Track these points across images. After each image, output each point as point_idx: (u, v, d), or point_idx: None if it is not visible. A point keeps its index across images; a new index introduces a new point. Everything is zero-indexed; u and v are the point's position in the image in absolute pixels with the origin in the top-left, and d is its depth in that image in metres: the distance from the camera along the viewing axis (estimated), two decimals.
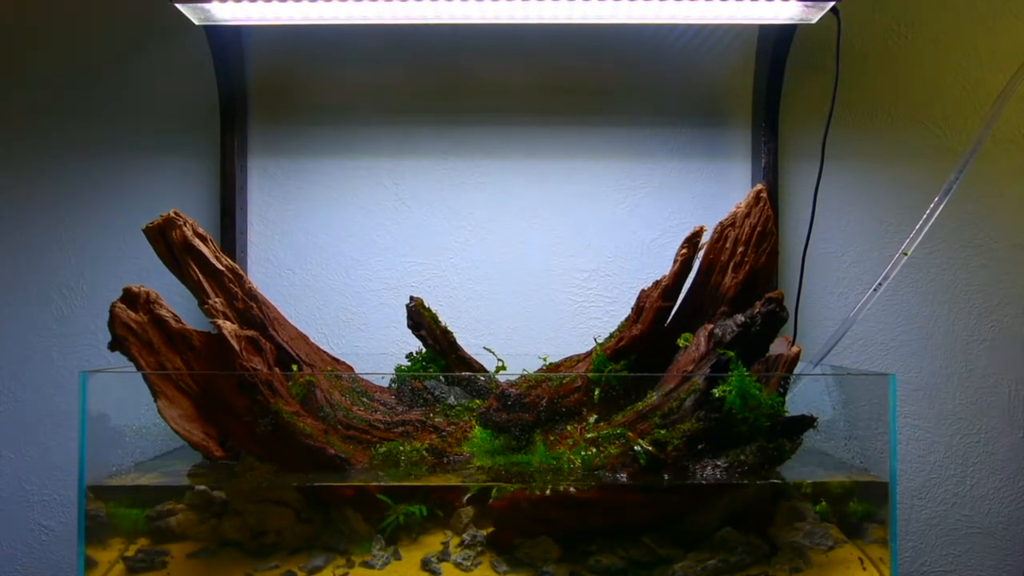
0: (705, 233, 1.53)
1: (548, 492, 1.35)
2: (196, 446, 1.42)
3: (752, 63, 1.90)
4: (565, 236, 1.94)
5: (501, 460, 1.44)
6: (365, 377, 1.64)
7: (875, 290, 1.62)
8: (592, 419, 1.42)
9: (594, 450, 1.37)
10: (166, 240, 1.46)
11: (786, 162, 1.90)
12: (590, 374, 1.51)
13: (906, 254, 1.58)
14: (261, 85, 1.93)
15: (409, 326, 1.68)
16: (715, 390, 1.32)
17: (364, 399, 1.58)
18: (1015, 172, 1.91)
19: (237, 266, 1.54)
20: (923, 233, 1.59)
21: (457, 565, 1.37)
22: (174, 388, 1.35)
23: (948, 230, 1.91)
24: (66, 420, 1.89)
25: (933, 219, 1.58)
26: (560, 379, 1.52)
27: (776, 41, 1.79)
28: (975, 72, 1.92)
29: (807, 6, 1.61)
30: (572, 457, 1.38)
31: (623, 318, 1.60)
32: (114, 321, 1.34)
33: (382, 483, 1.44)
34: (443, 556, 1.39)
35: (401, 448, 1.47)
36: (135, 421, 1.45)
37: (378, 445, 1.47)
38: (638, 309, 1.56)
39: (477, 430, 1.51)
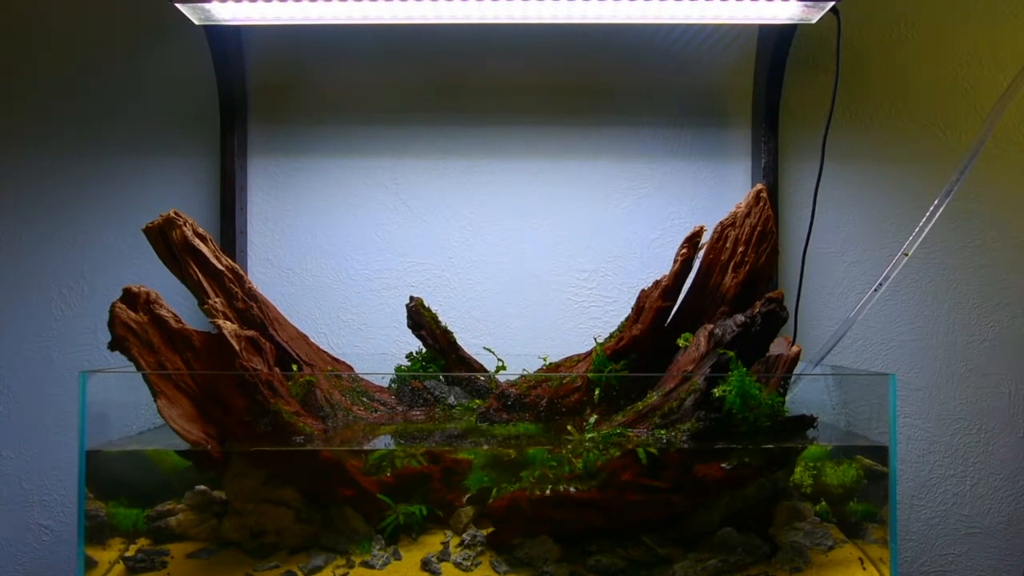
0: (705, 233, 1.53)
1: (548, 492, 1.35)
2: (196, 446, 1.42)
3: (752, 63, 1.90)
4: (565, 236, 1.94)
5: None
6: (365, 377, 1.64)
7: (876, 290, 1.62)
8: (592, 419, 1.42)
9: (596, 451, 1.37)
10: (166, 240, 1.46)
11: (786, 162, 1.89)
12: (590, 374, 1.51)
13: (907, 255, 1.58)
14: (261, 85, 1.93)
15: (409, 326, 1.68)
16: (715, 390, 1.32)
17: (364, 399, 1.58)
18: (1015, 172, 1.91)
19: (237, 266, 1.54)
20: (924, 233, 1.59)
21: (457, 565, 1.37)
22: (174, 388, 1.35)
23: (948, 230, 1.91)
24: (66, 420, 1.89)
25: (934, 220, 1.58)
26: (560, 379, 1.52)
27: (776, 41, 1.79)
28: (975, 72, 1.92)
29: (807, 6, 1.61)
30: (574, 459, 1.39)
31: (623, 318, 1.60)
32: (114, 321, 1.34)
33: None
34: (443, 556, 1.39)
35: (397, 454, 1.47)
36: (135, 421, 1.45)
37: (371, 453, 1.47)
38: (638, 309, 1.56)
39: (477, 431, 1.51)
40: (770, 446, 1.35)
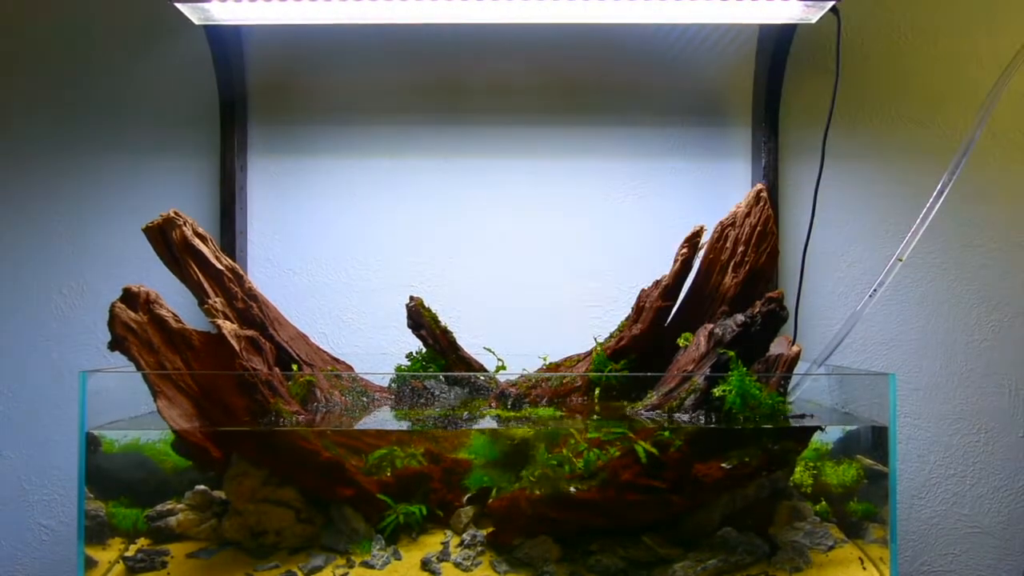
0: (705, 233, 1.53)
1: (548, 492, 1.35)
2: (195, 446, 1.42)
3: (752, 63, 1.90)
4: (565, 236, 1.94)
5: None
6: (365, 377, 1.63)
7: (871, 296, 1.61)
8: (593, 419, 1.42)
9: (597, 451, 1.37)
10: (166, 240, 1.46)
11: (786, 162, 1.89)
12: (590, 374, 1.51)
13: (901, 260, 1.57)
14: (261, 84, 1.93)
15: (409, 326, 1.68)
16: (715, 389, 1.32)
17: (364, 399, 1.58)
18: (1015, 172, 1.91)
19: (237, 266, 1.54)
20: (919, 236, 1.58)
21: (457, 565, 1.37)
22: (174, 388, 1.35)
23: (948, 230, 1.91)
24: (66, 420, 1.89)
25: (928, 222, 1.57)
26: (560, 379, 1.52)
27: (776, 41, 1.79)
28: (975, 72, 1.92)
29: (807, 6, 1.61)
30: (574, 458, 1.38)
31: (623, 318, 1.60)
32: (114, 321, 1.34)
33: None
34: (443, 556, 1.39)
35: (397, 454, 1.47)
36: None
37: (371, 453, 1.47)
38: (638, 309, 1.56)
39: (475, 433, 1.51)
40: (772, 444, 1.35)
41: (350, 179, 1.94)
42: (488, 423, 1.48)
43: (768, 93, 1.84)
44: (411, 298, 1.68)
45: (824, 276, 1.91)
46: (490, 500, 1.43)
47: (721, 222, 1.55)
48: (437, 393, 1.60)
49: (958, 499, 1.90)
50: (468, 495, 1.49)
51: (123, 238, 1.92)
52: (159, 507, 1.48)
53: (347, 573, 1.36)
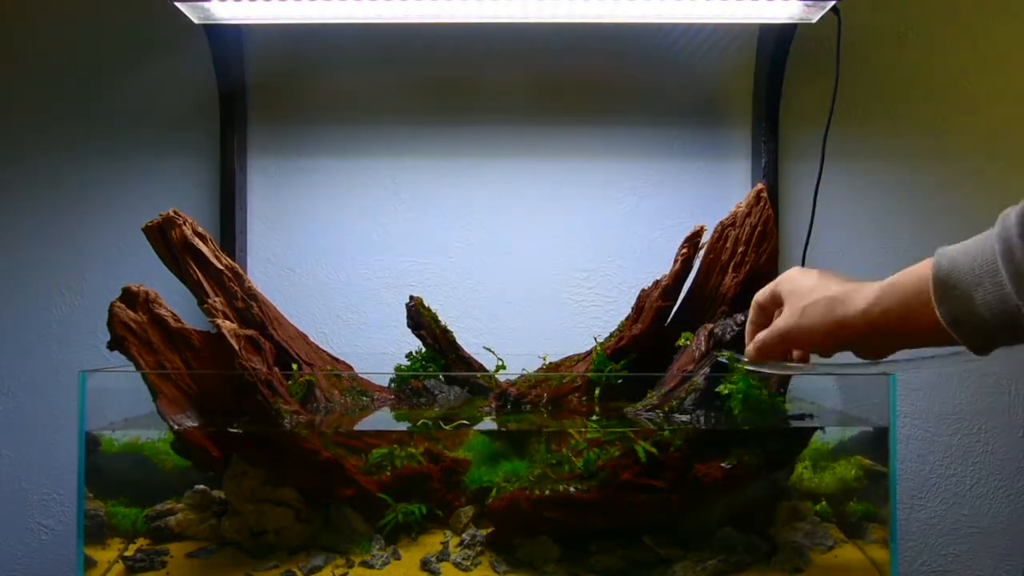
0: (705, 233, 1.53)
1: (548, 492, 1.35)
2: (195, 445, 1.42)
3: (752, 63, 1.90)
4: (565, 236, 1.94)
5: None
6: (365, 376, 1.63)
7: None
8: (592, 419, 1.42)
9: (596, 450, 1.36)
10: (165, 239, 1.46)
11: (786, 162, 1.89)
12: (590, 374, 1.50)
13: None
14: (261, 84, 1.93)
15: (409, 326, 1.68)
16: (720, 387, 1.32)
17: (364, 398, 1.58)
18: (1016, 171, 1.91)
19: (237, 265, 1.54)
20: None
21: (457, 565, 1.37)
22: (174, 387, 1.35)
23: (948, 230, 1.90)
24: (66, 419, 1.89)
25: None
26: (560, 379, 1.52)
27: (776, 41, 1.79)
28: (975, 72, 1.91)
29: (807, 5, 1.61)
30: (573, 458, 1.38)
31: (623, 318, 1.59)
32: (113, 320, 1.34)
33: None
34: (443, 556, 1.39)
35: (397, 454, 1.47)
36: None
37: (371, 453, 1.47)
38: (638, 309, 1.56)
39: (475, 432, 1.51)
40: (771, 445, 1.35)
41: (350, 179, 1.94)
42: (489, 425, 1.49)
43: (768, 93, 1.84)
44: (411, 298, 1.68)
45: None
46: (489, 500, 1.43)
47: (721, 222, 1.55)
48: (437, 393, 1.60)
49: (958, 499, 1.90)
50: (469, 490, 1.49)
51: (123, 238, 1.91)
52: (158, 507, 1.48)
53: (346, 573, 1.36)
